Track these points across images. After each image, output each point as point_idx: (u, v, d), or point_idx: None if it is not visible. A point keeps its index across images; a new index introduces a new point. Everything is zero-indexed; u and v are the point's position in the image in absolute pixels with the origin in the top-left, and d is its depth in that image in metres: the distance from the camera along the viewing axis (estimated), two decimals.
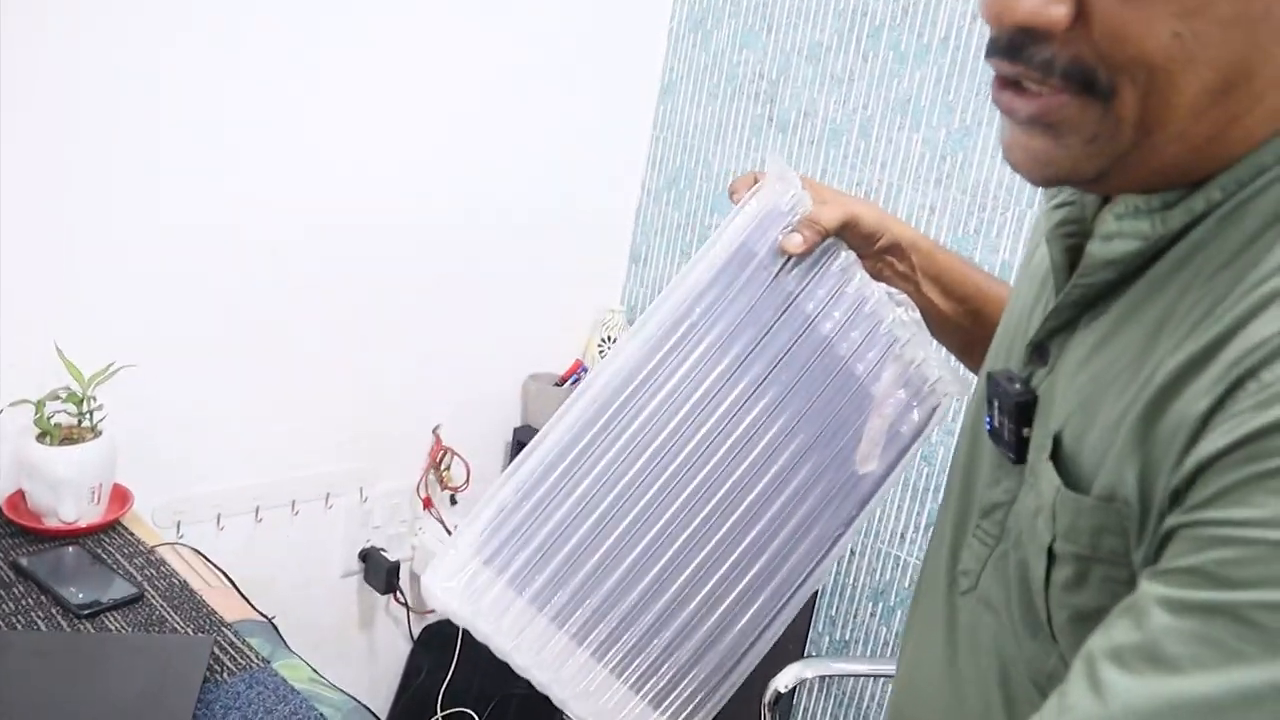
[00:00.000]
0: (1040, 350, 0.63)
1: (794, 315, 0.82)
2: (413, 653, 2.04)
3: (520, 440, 2.06)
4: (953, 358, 0.97)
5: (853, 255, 0.85)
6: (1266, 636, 0.42)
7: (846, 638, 1.93)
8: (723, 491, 0.80)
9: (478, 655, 1.99)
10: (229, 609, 1.24)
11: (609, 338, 2.08)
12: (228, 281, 1.59)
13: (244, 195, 1.57)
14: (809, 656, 1.92)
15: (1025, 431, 0.62)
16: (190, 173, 1.50)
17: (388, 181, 1.73)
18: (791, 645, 1.90)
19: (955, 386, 0.91)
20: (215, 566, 1.40)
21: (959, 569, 0.68)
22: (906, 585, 1.86)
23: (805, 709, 1.99)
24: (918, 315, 0.87)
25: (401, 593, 1.93)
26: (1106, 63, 0.49)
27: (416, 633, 2.03)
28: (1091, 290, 0.58)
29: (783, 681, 1.44)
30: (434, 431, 1.92)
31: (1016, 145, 0.56)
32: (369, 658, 1.99)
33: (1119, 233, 0.55)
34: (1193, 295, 0.52)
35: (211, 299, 1.58)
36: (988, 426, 0.66)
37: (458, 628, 2.31)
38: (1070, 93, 0.51)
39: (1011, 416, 0.62)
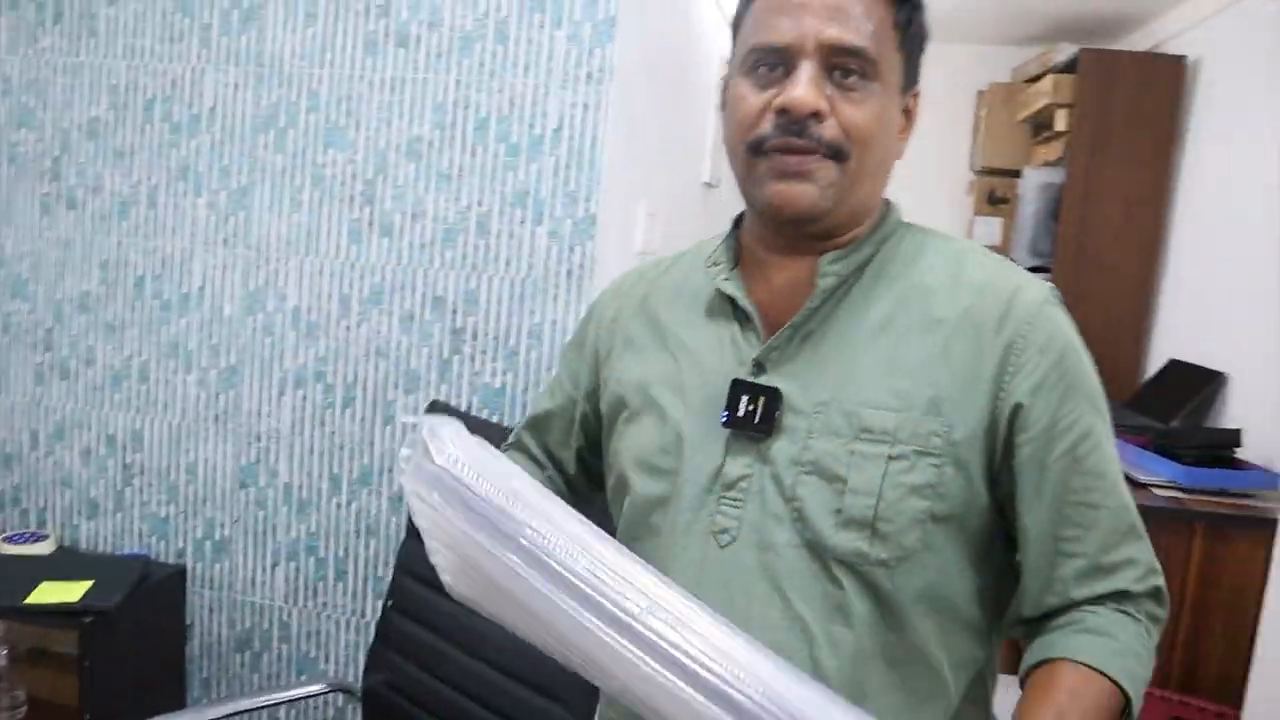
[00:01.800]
0: (759, 364, 0.92)
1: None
2: None
3: None
4: None
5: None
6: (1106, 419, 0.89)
7: (222, 693, 1.96)
8: None
9: None
10: None
11: None
12: None
13: None
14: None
15: (776, 412, 0.89)
16: None
17: None
18: None
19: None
20: None
21: (714, 530, 0.90)
22: (267, 627, 1.93)
23: None
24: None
25: None
26: (847, 138, 0.87)
27: None
28: (810, 314, 0.91)
29: None
30: None
31: (782, 192, 0.88)
32: None
33: (828, 273, 0.91)
34: (900, 299, 0.90)
35: None
36: (726, 418, 0.90)
37: None
38: (826, 157, 0.87)
39: (767, 405, 0.89)
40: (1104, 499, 0.88)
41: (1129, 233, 3.20)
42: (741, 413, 0.90)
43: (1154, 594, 0.89)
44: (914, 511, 0.86)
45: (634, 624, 0.74)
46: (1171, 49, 3.25)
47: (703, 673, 0.72)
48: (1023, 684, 0.87)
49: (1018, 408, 0.87)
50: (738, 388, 0.90)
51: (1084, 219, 3.23)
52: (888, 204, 0.97)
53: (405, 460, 0.82)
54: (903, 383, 0.87)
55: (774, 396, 0.89)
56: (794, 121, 0.86)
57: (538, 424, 1.13)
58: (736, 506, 0.90)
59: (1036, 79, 3.61)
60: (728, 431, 0.91)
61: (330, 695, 1.94)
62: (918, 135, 0.96)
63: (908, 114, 0.94)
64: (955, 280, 0.91)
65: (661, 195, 2.37)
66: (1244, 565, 2.26)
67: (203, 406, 1.92)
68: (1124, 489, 0.90)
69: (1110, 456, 0.90)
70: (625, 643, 0.74)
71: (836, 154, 0.87)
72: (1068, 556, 0.87)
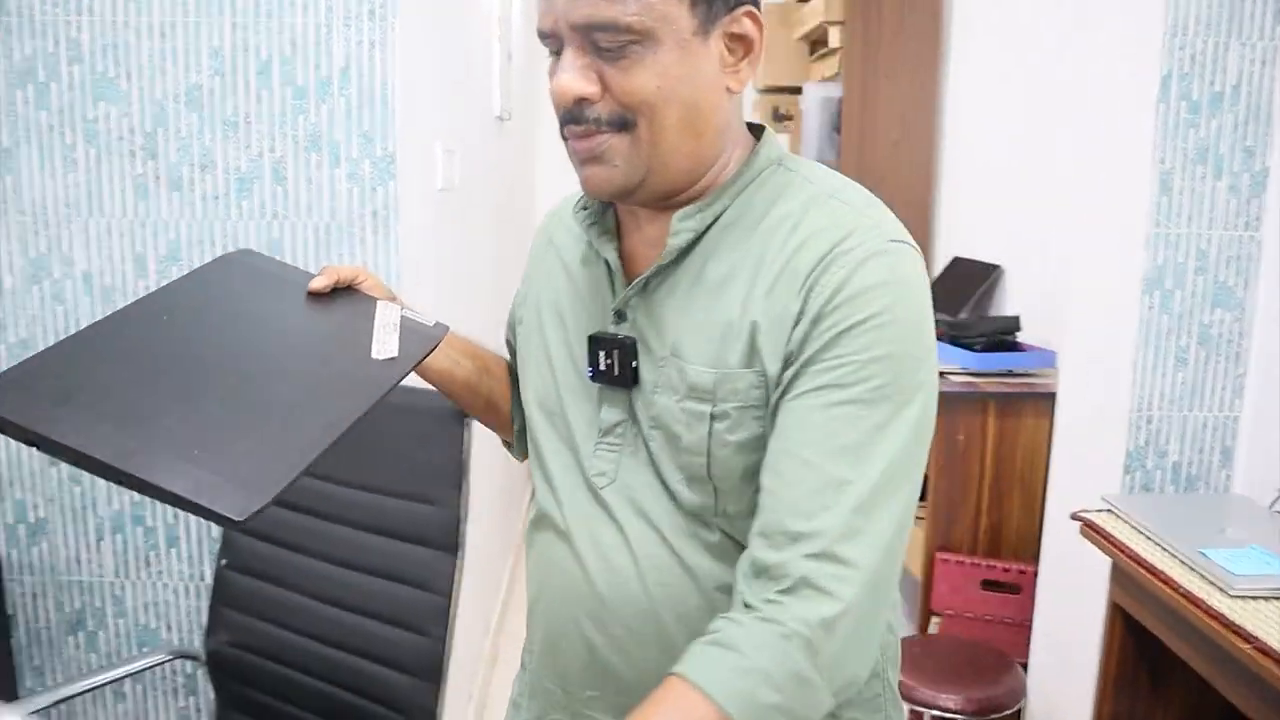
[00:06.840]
0: (620, 313, 0.93)
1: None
2: None
3: None
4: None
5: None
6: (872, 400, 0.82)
7: (59, 679, 1.88)
8: None
9: None
10: None
11: None
12: None
13: None
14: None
15: (634, 363, 0.91)
16: None
17: None
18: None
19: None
20: None
21: (592, 475, 0.94)
22: (99, 605, 1.86)
23: None
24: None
25: None
26: (627, 108, 0.83)
27: None
28: (664, 268, 0.90)
29: None
30: None
31: (589, 177, 0.87)
32: None
33: (681, 230, 0.89)
34: (744, 251, 0.87)
35: None
36: (591, 373, 0.93)
37: None
38: (612, 132, 0.84)
39: (622, 357, 0.91)
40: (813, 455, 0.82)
41: (907, 141, 3.40)
42: (602, 366, 0.93)
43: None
44: (743, 468, 0.86)
45: None
46: None
47: None
48: None
49: (791, 353, 0.84)
50: (595, 343, 0.93)
51: (863, 131, 3.41)
52: (756, 146, 0.92)
53: None
54: (721, 339, 0.86)
55: (628, 349, 0.91)
56: (566, 109, 0.85)
57: None
58: (613, 451, 0.94)
59: None
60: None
61: (175, 663, 1.90)
62: None
63: (739, 39, 0.87)
64: (795, 228, 0.86)
65: (456, 132, 2.37)
66: (1032, 436, 2.49)
67: None
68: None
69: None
70: None
71: (622, 125, 0.84)
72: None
